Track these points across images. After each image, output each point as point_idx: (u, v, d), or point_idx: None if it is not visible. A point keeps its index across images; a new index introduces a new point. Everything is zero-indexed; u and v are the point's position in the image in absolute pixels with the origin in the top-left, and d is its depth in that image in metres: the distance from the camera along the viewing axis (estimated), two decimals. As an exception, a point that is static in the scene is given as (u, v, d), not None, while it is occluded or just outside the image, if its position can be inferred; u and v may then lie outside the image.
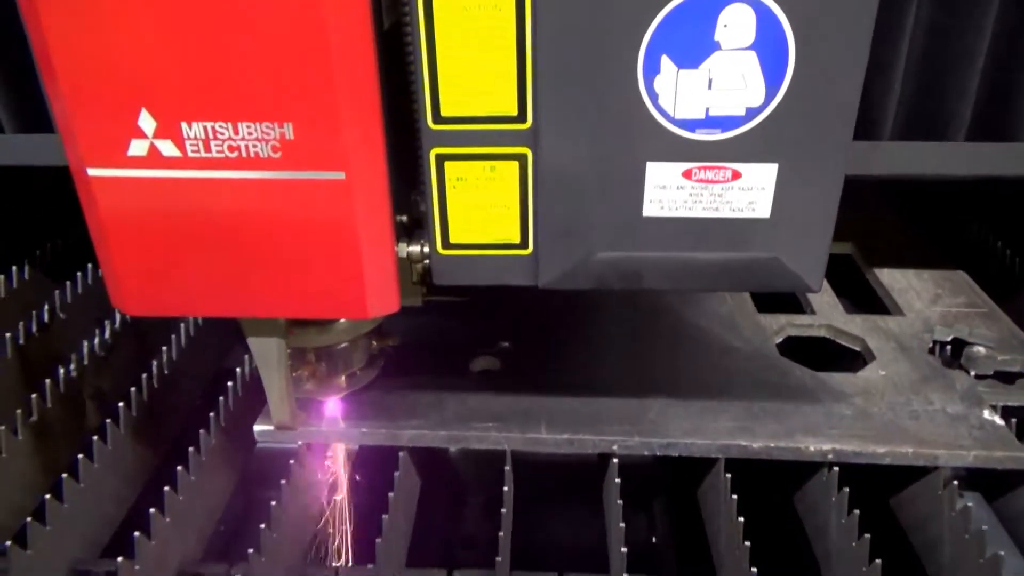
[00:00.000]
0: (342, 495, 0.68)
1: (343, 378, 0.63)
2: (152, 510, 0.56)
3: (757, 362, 0.69)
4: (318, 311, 0.51)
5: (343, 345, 0.61)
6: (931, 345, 0.74)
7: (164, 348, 0.74)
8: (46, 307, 0.78)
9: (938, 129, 0.64)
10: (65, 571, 0.57)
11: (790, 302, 0.82)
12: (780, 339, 0.75)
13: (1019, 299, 0.82)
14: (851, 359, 0.74)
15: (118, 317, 0.79)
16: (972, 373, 0.70)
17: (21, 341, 0.74)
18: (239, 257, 0.47)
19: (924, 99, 0.63)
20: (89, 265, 0.85)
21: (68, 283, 0.82)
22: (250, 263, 0.47)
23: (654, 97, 0.44)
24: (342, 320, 0.59)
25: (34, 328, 0.76)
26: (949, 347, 0.74)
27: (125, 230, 0.46)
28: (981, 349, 0.72)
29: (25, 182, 1.00)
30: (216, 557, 0.62)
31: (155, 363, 0.72)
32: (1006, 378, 0.71)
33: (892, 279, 0.86)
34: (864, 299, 0.86)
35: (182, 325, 0.78)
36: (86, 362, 0.73)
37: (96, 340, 0.75)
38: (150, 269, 0.48)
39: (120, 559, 0.53)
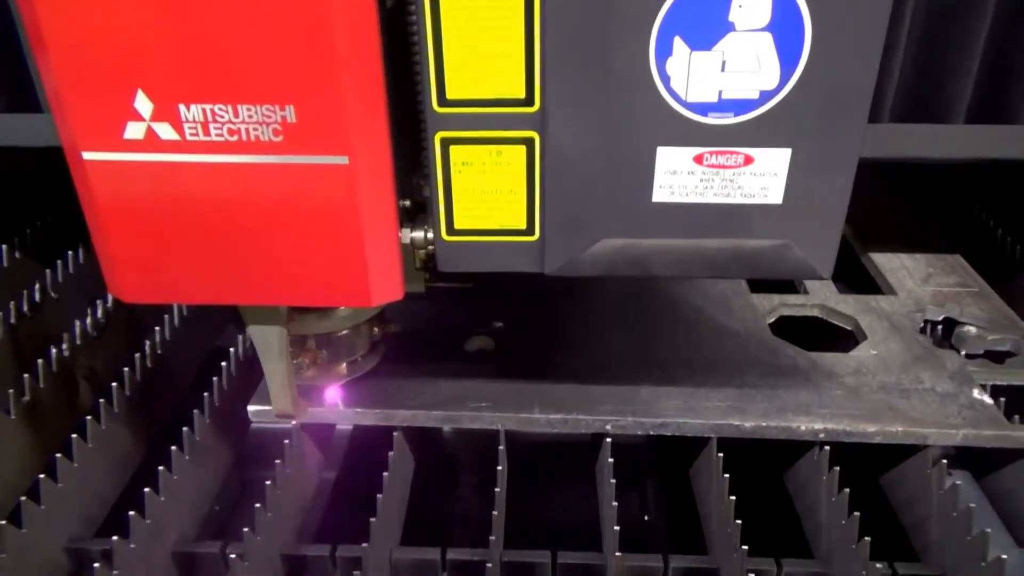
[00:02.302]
0: (336, 475, 0.69)
1: (344, 365, 0.62)
2: (147, 489, 0.56)
3: (750, 342, 0.70)
4: (320, 299, 0.50)
5: (344, 332, 0.60)
6: (922, 325, 0.74)
7: (157, 328, 0.74)
8: (38, 287, 0.78)
9: (937, 112, 0.64)
10: (60, 550, 0.57)
11: (783, 282, 0.83)
12: (773, 319, 0.75)
13: (1014, 281, 0.82)
14: (843, 339, 0.74)
15: (111, 297, 0.79)
16: (962, 352, 0.71)
17: (13, 321, 0.73)
18: (239, 244, 0.46)
19: (923, 81, 0.63)
20: (81, 244, 0.85)
21: (60, 262, 0.82)
22: (250, 250, 0.46)
23: (666, 80, 0.43)
24: (342, 307, 0.58)
25: (26, 308, 0.76)
26: (940, 327, 0.75)
27: (121, 215, 0.45)
28: (972, 329, 0.72)
29: (16, 160, 0.99)
30: (211, 536, 0.63)
31: (148, 343, 0.72)
32: (996, 357, 0.72)
33: (885, 258, 0.86)
34: (857, 279, 0.86)
35: (175, 305, 0.77)
36: (79, 342, 0.72)
37: (89, 320, 0.75)
38: (147, 255, 0.47)
39: (115, 538, 0.53)
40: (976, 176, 0.98)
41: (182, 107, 0.42)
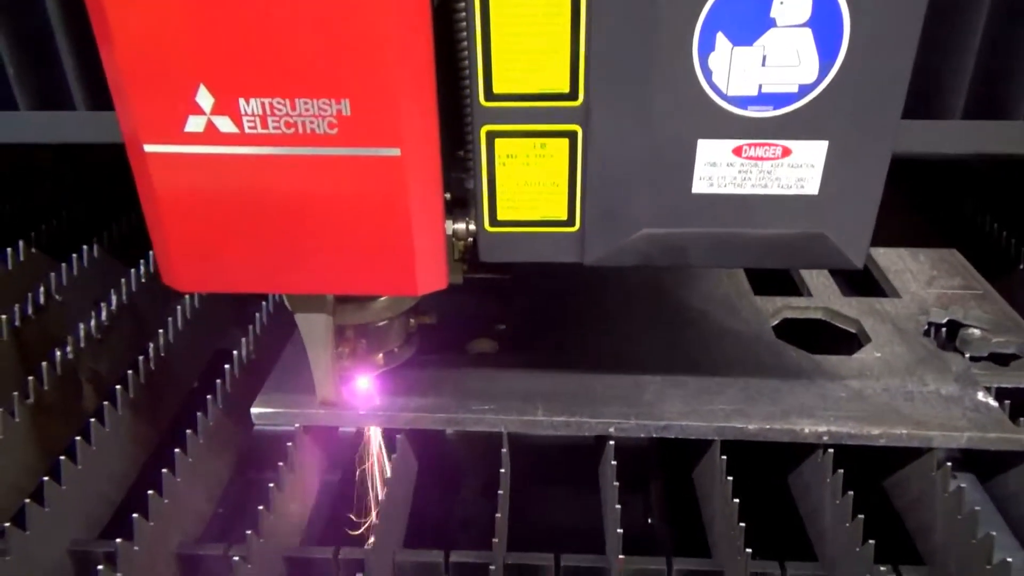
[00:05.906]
0: (340, 477, 0.69)
1: (381, 355, 0.63)
2: (150, 492, 0.56)
3: (753, 344, 0.70)
4: (369, 287, 0.51)
5: (382, 323, 0.61)
6: (926, 327, 0.74)
7: (161, 330, 0.74)
8: (42, 289, 0.78)
9: (934, 108, 0.64)
10: (64, 552, 0.57)
11: (787, 284, 0.83)
12: (777, 321, 0.75)
13: (1013, 278, 0.82)
14: (847, 341, 0.74)
15: (114, 299, 0.79)
16: (967, 355, 0.71)
17: (17, 323, 0.73)
18: (293, 233, 0.47)
19: (920, 77, 0.63)
20: (85, 246, 0.85)
21: (64, 265, 0.82)
22: (304, 239, 0.47)
23: (708, 74, 0.44)
24: (382, 298, 0.59)
25: (30, 310, 0.76)
26: (944, 329, 0.75)
27: (180, 206, 0.47)
28: (976, 331, 0.72)
29: (22, 162, 1.00)
30: (214, 538, 0.63)
31: (152, 345, 0.72)
32: (1000, 360, 0.72)
33: (888, 260, 0.86)
34: (860, 281, 0.86)
35: (179, 307, 0.78)
36: (83, 344, 0.72)
37: (93, 322, 0.75)
38: (204, 245, 0.48)
39: (119, 540, 0.53)
40: (973, 172, 0.98)
41: (242, 101, 0.43)
